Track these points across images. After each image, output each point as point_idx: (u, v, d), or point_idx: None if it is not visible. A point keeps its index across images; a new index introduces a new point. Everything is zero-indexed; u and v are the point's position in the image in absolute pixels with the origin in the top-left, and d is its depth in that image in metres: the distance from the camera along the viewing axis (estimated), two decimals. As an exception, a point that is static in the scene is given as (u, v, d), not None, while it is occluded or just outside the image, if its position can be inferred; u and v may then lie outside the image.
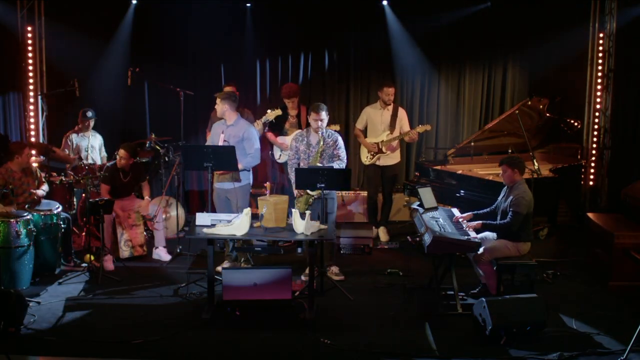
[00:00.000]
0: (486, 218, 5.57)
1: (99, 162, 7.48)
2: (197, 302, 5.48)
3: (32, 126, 8.02)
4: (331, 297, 5.60)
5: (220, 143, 6.05)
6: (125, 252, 6.57)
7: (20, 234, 5.62)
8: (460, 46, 8.53)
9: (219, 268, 5.89)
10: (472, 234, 5.38)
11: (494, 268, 5.40)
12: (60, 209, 6.26)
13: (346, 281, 5.92)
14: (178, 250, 6.81)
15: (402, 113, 7.27)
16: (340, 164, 5.94)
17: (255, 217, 5.36)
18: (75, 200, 7.12)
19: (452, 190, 6.93)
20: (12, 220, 5.63)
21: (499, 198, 5.63)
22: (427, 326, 4.99)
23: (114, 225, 6.55)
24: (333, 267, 6.12)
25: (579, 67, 8.37)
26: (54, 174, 6.96)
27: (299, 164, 6.00)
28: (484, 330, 4.63)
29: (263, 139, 6.92)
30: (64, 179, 6.48)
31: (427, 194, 5.92)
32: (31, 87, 8.00)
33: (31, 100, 8.00)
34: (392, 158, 7.27)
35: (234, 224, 5.14)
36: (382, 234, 7.40)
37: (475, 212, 5.70)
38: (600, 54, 8.20)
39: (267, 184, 5.64)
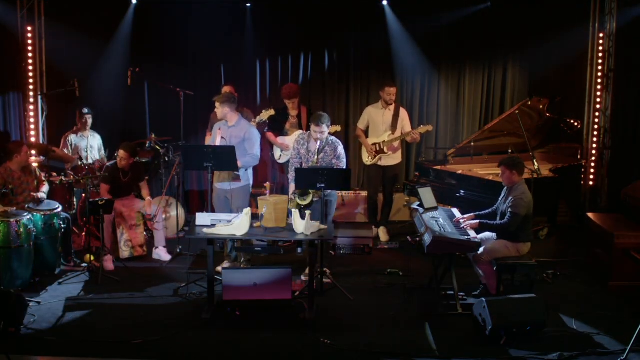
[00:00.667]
0: (487, 219, 5.57)
1: (97, 163, 7.48)
2: (197, 302, 5.48)
3: (32, 126, 8.02)
4: (331, 297, 5.60)
5: (218, 142, 6.05)
6: (125, 252, 6.57)
7: (20, 234, 5.62)
8: (460, 46, 8.53)
9: (219, 268, 5.90)
10: (472, 234, 5.38)
11: (494, 268, 5.40)
12: (60, 209, 6.26)
13: (346, 281, 5.92)
14: (178, 250, 6.81)
15: (403, 113, 7.27)
16: None
17: (255, 217, 5.36)
18: (75, 200, 7.13)
19: (452, 190, 6.93)
20: (12, 220, 5.63)
21: (499, 199, 5.63)
22: (427, 326, 4.99)
23: (114, 225, 6.55)
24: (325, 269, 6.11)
25: (579, 67, 8.37)
26: (54, 174, 6.96)
27: (301, 164, 6.00)
28: (484, 330, 4.63)
29: (263, 140, 6.92)
30: (64, 179, 6.48)
31: (427, 194, 5.92)
32: (31, 87, 8.00)
33: (31, 100, 8.00)
34: (393, 158, 7.27)
35: (234, 224, 5.14)
36: (382, 234, 7.40)
37: (477, 212, 5.69)
38: (600, 54, 8.20)
39: (267, 184, 5.64)
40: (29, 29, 7.92)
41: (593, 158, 8.39)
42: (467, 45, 8.53)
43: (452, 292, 5.36)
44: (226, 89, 7.13)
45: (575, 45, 8.23)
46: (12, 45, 7.88)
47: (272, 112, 6.73)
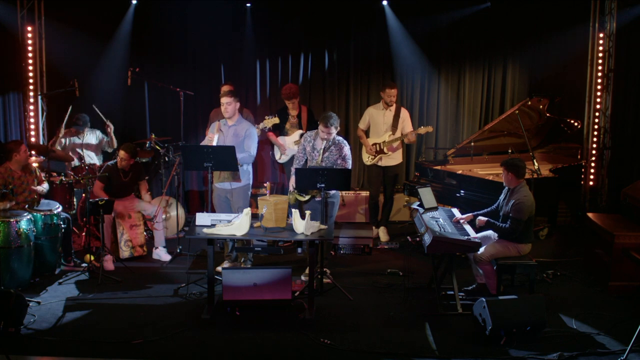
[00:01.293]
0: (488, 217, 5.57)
1: (96, 161, 7.50)
2: (197, 302, 5.48)
3: (32, 126, 8.03)
4: (331, 297, 5.60)
5: (215, 142, 6.04)
6: (125, 252, 6.57)
7: (20, 234, 5.62)
8: (460, 46, 8.53)
9: (219, 268, 5.89)
10: (472, 234, 5.38)
11: (494, 268, 5.40)
12: (60, 209, 6.26)
13: (346, 281, 5.92)
14: (178, 250, 6.81)
15: (404, 114, 7.26)
16: None
17: (255, 217, 5.36)
18: (75, 200, 7.13)
19: (452, 190, 6.93)
20: (12, 220, 5.63)
21: (501, 198, 5.63)
22: (427, 326, 4.99)
23: (114, 225, 6.55)
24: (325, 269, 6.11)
25: (579, 67, 8.37)
26: (54, 174, 6.97)
27: (305, 161, 6.00)
28: (484, 330, 4.63)
29: (264, 139, 6.93)
30: (64, 179, 6.49)
31: (427, 194, 5.92)
32: (31, 87, 8.01)
33: (31, 100, 8.01)
34: (393, 159, 7.27)
35: (234, 224, 5.14)
36: (382, 234, 7.40)
37: (476, 212, 5.70)
38: (600, 54, 8.20)
39: (267, 184, 5.64)
40: (29, 29, 7.92)
41: (593, 158, 8.39)
42: (467, 45, 8.53)
43: (452, 292, 5.36)
44: (226, 89, 7.13)
45: (575, 45, 8.23)
46: (12, 45, 7.89)
47: (276, 120, 6.70)
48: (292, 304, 5.20)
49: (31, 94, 8.01)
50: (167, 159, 7.44)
